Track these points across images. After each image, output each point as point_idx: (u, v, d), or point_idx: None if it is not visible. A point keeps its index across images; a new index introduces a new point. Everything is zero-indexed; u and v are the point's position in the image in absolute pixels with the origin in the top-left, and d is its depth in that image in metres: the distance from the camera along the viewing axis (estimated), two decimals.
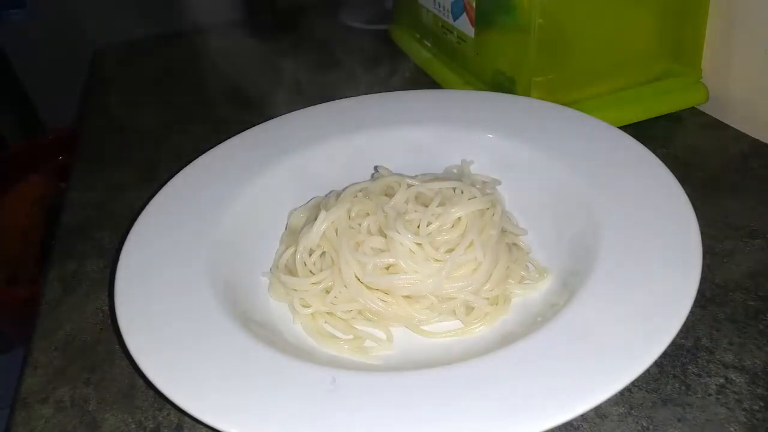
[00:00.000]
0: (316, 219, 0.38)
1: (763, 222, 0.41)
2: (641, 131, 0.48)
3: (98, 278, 0.44)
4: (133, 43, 0.85)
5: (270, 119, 0.48)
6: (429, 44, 0.64)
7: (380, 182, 0.41)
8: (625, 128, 0.42)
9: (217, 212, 0.40)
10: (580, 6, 0.47)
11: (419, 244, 0.36)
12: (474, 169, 0.44)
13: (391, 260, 0.36)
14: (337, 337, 0.35)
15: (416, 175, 0.43)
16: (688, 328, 0.34)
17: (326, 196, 0.43)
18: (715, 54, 0.52)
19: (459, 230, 0.37)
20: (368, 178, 0.45)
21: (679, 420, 0.30)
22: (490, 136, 0.44)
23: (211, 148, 0.45)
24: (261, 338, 0.31)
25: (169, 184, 0.42)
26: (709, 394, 0.31)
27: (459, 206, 0.37)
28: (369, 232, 0.38)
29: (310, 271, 0.38)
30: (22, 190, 1.21)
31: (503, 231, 0.39)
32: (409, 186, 0.40)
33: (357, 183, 0.42)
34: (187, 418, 0.33)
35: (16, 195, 1.20)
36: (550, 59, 0.48)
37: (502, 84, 0.52)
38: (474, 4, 0.53)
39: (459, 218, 0.37)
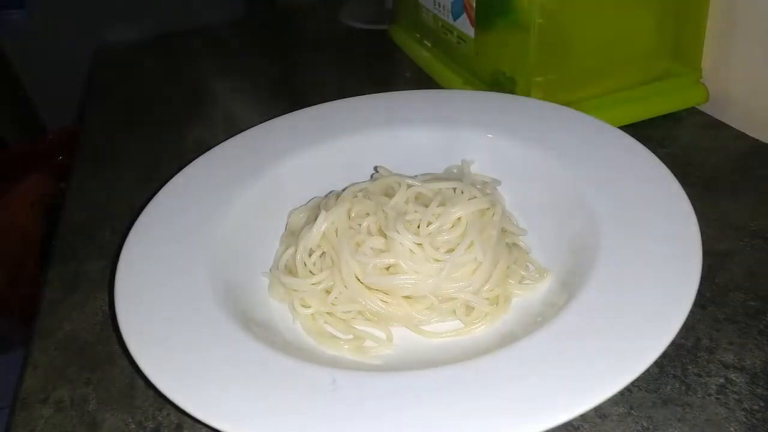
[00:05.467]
0: (316, 219, 0.38)
1: (763, 222, 0.41)
2: (641, 131, 0.48)
3: (98, 278, 0.44)
4: (133, 43, 0.85)
5: (270, 119, 0.48)
6: (429, 44, 0.64)
7: (380, 182, 0.41)
8: (625, 128, 0.42)
9: (217, 212, 0.40)
10: (580, 6, 0.47)
11: (419, 245, 0.36)
12: (474, 169, 0.44)
13: (392, 260, 0.36)
14: (337, 337, 0.35)
15: (416, 175, 0.43)
16: (688, 328, 0.34)
17: (326, 196, 0.43)
18: (715, 54, 0.52)
19: (459, 230, 0.37)
20: (368, 178, 0.45)
21: (679, 420, 0.30)
22: (490, 136, 0.44)
23: (211, 148, 0.45)
24: (261, 338, 0.31)
25: (169, 184, 0.42)
26: (709, 394, 0.31)
27: (459, 206, 0.37)
28: (369, 233, 0.38)
29: (310, 272, 0.38)
30: (22, 190, 1.21)
31: (503, 231, 0.39)
32: (409, 186, 0.40)
33: (357, 183, 0.42)
34: (187, 418, 0.33)
35: (16, 195, 1.20)
36: (550, 59, 0.48)
37: (502, 84, 0.52)
38: (474, 4, 0.53)
39: (459, 218, 0.37)
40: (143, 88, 0.73)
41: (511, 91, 0.51)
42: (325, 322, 0.36)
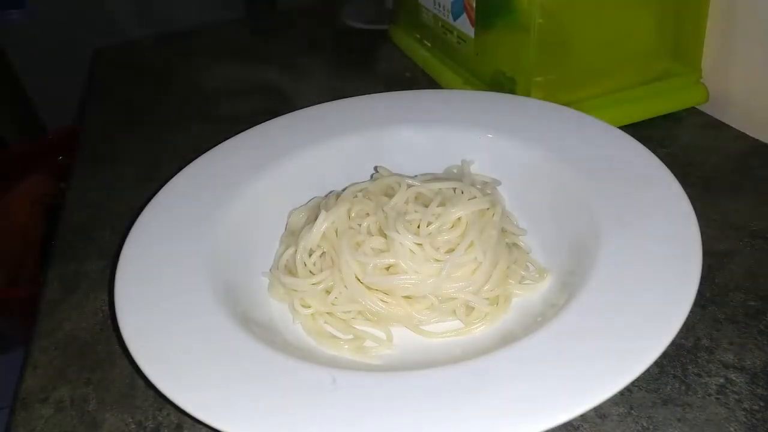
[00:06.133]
0: (316, 219, 0.38)
1: (763, 222, 0.41)
2: (641, 131, 0.48)
3: (98, 278, 0.44)
4: (133, 43, 0.85)
5: (270, 119, 0.48)
6: (429, 44, 0.64)
7: (380, 182, 0.41)
8: (625, 128, 0.42)
9: (217, 212, 0.40)
10: (580, 6, 0.47)
11: (419, 245, 0.36)
12: (474, 169, 0.44)
13: (392, 260, 0.36)
14: (337, 337, 0.35)
15: (416, 175, 0.43)
16: (688, 328, 0.34)
17: (326, 196, 0.43)
18: (715, 54, 0.52)
19: (459, 230, 0.37)
20: (368, 178, 0.45)
21: (679, 420, 0.30)
22: (490, 136, 0.44)
23: (211, 148, 0.45)
24: (261, 338, 0.31)
25: (169, 184, 0.42)
26: (709, 394, 0.31)
27: (459, 206, 0.37)
28: (369, 233, 0.38)
29: (310, 272, 0.38)
30: (22, 190, 1.21)
31: (503, 231, 0.39)
32: (409, 186, 0.40)
33: (357, 183, 0.42)
34: (187, 418, 0.33)
35: (16, 195, 1.20)
36: (550, 59, 0.48)
37: (502, 84, 0.52)
38: (474, 4, 0.53)
39: (459, 218, 0.37)
40: (143, 88, 0.73)
41: (511, 91, 0.51)
42: (325, 322, 0.36)
